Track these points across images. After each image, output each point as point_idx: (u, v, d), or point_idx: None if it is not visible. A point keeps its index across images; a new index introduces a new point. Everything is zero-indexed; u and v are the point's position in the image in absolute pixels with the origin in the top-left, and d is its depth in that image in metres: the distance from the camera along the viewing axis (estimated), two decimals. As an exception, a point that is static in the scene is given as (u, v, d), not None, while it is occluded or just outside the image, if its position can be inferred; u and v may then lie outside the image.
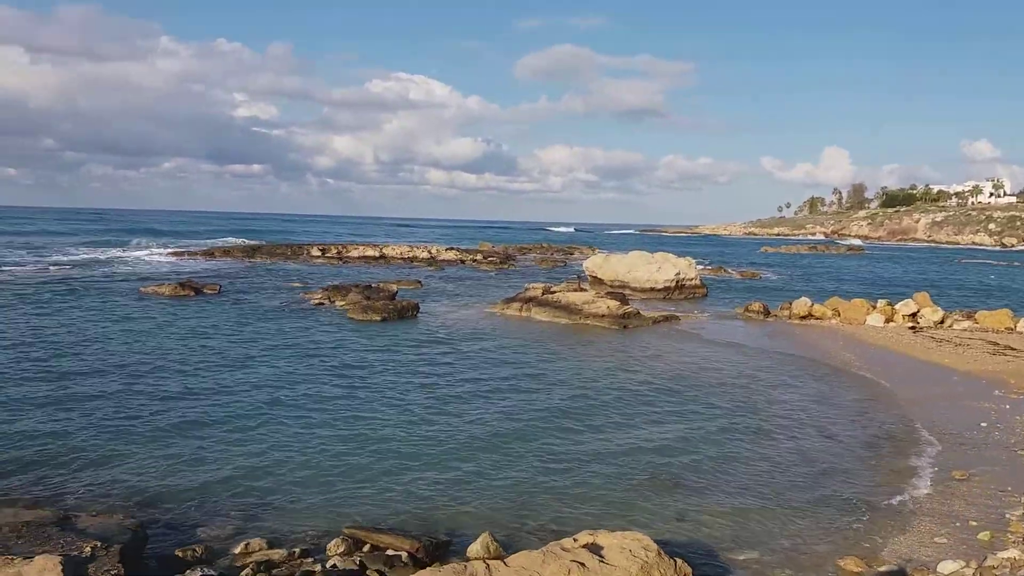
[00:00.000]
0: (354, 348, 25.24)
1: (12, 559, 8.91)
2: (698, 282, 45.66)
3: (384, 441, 15.50)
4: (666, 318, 33.19)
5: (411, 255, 70.24)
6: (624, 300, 34.73)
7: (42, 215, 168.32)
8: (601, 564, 8.35)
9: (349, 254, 69.69)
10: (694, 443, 15.85)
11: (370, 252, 70.56)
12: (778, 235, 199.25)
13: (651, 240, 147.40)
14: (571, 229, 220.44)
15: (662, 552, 8.69)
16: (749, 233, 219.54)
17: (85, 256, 62.03)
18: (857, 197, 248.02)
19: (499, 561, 8.44)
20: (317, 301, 36.71)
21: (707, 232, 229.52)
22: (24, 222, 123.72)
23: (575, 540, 9.05)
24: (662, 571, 8.38)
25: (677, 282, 43.56)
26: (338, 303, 35.56)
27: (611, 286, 42.26)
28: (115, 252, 68.21)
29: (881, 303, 35.44)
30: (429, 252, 71.83)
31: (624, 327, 30.97)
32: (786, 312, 36.13)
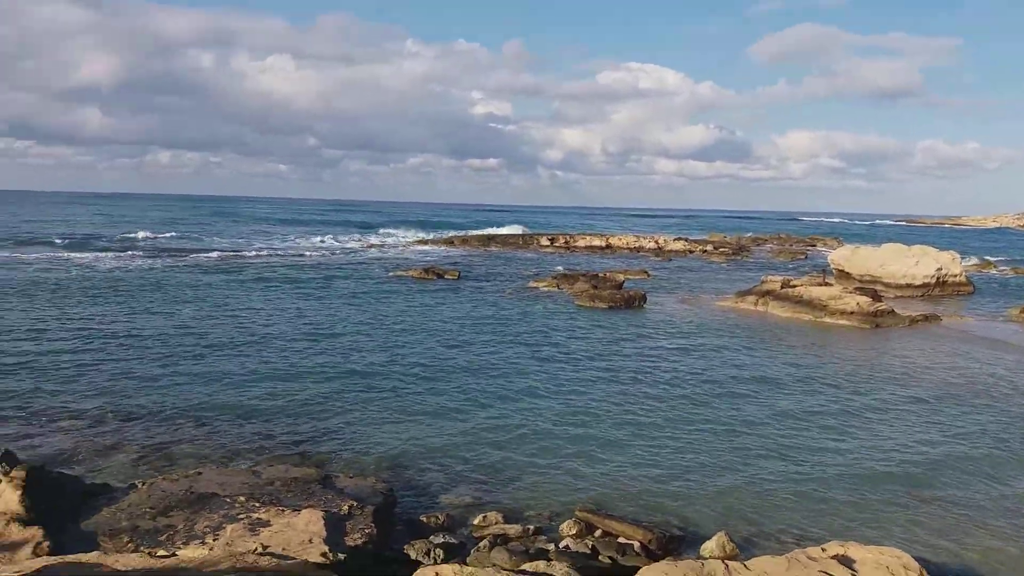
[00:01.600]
0: (582, 335, 25.48)
1: (284, 510, 9.95)
2: (963, 279, 40.92)
3: (616, 427, 15.47)
4: (925, 318, 30.03)
5: (638, 245, 69.71)
6: (876, 296, 31.93)
7: (310, 206, 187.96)
8: (853, 578, 7.67)
9: (576, 244, 70.58)
10: (958, 459, 14.15)
11: (596, 242, 70.98)
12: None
13: (906, 232, 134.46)
14: (814, 219, 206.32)
15: (925, 572, 7.82)
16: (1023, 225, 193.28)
17: (342, 243, 68.27)
18: None
19: (739, 563, 8.04)
20: (546, 288, 37.61)
21: (972, 224, 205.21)
22: (295, 211, 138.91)
23: (823, 550, 8.40)
24: (926, 594, 7.54)
25: (938, 278, 39.34)
26: (566, 290, 36.17)
27: (860, 281, 39.09)
28: (369, 239, 74.39)
29: None
30: (656, 242, 70.85)
31: (875, 326, 28.46)
32: (1074, 316, 31.32)
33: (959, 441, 15.25)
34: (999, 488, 12.80)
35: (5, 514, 8.81)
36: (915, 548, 10.15)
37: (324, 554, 8.82)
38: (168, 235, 68.97)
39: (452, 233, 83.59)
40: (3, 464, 10.47)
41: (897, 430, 15.90)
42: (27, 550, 8.27)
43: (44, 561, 7.88)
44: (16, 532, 8.58)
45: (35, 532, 8.61)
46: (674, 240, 73.21)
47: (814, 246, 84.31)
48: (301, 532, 9.34)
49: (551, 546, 10.14)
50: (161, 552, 8.67)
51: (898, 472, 13.38)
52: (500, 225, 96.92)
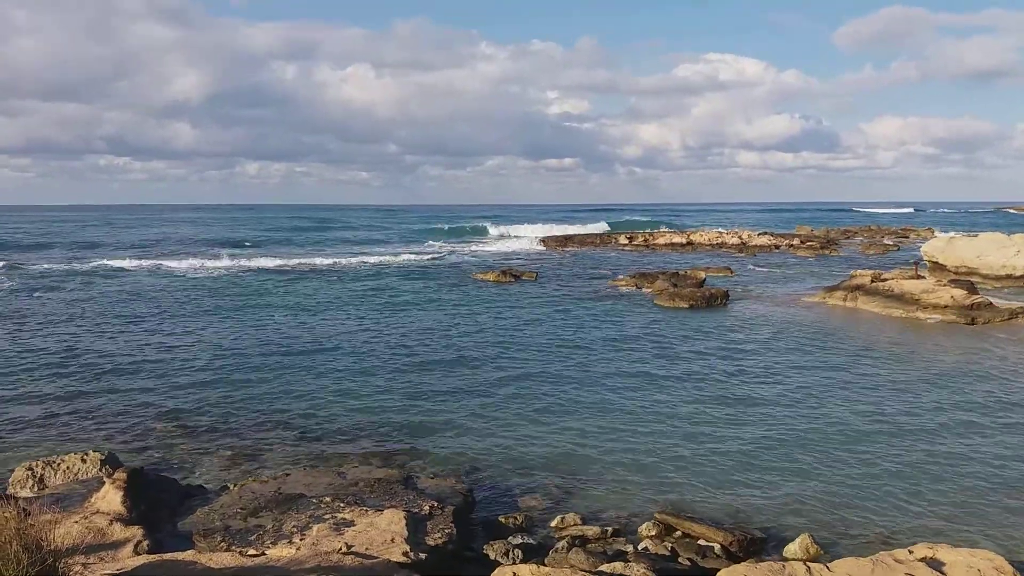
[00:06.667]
0: (662, 334, 25.20)
1: (367, 511, 10.25)
2: (1069, 268, 38.57)
3: (695, 426, 15.29)
4: (1026, 309, 28.43)
5: (720, 241, 68.33)
6: (972, 289, 30.44)
7: (393, 211, 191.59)
8: (943, 583, 7.40)
9: (656, 241, 69.74)
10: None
11: (677, 239, 69.94)
12: None
13: (1005, 220, 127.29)
14: (907, 209, 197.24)
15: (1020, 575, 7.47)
16: None
17: (426, 247, 69.46)
18: None
19: (821, 565, 7.86)
20: (625, 287, 37.32)
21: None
22: (378, 217, 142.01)
23: (910, 552, 8.13)
24: (1023, 600, 7.20)
25: (1041, 268, 37.18)
26: (645, 289, 35.80)
27: (955, 273, 37.31)
28: (449, 244, 75.42)
29: None
30: (739, 237, 69.29)
31: (972, 320, 27.12)
32: None
33: (1065, 439, 14.44)
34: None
35: (108, 514, 9.39)
36: (1012, 552, 9.69)
37: (405, 553, 9.05)
38: (264, 244, 71.47)
39: (532, 234, 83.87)
40: (107, 466, 11.14)
41: (990, 429, 15.15)
42: (128, 549, 8.79)
43: (144, 559, 8.37)
44: (119, 531, 9.12)
45: (136, 531, 9.14)
46: (758, 235, 71.44)
47: (907, 237, 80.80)
48: (384, 532, 9.61)
49: (630, 548, 10.12)
50: (251, 551, 9.07)
51: (995, 476, 12.77)
52: (582, 223, 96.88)
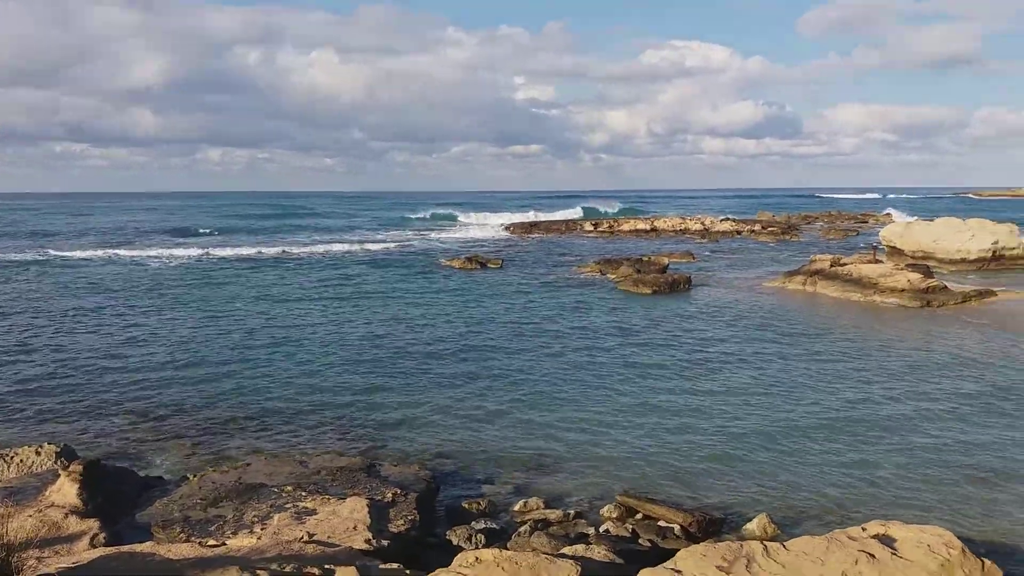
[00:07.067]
0: (625, 321, 25.39)
1: (329, 499, 10.22)
2: (1022, 252, 39.57)
3: (658, 412, 15.46)
4: (980, 293, 29.13)
5: (683, 227, 68.93)
6: (928, 273, 31.09)
7: (359, 198, 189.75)
8: (893, 557, 7.58)
9: (620, 228, 70.09)
10: (1005, 445, 13.74)
11: (641, 225, 70.39)
12: None
13: (967, 205, 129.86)
14: (872, 195, 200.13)
15: (967, 550, 7.68)
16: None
17: (392, 235, 68.95)
18: None
19: (778, 544, 8.00)
20: (590, 274, 37.50)
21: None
22: (343, 205, 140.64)
23: (863, 529, 8.31)
24: (966, 571, 7.41)
25: (994, 252, 38.08)
26: (610, 276, 36.01)
27: (912, 257, 38.09)
28: (415, 232, 74.94)
29: None
30: (703, 223, 69.95)
31: (927, 304, 27.74)
32: None
33: (1005, 426, 14.86)
34: (1055, 465, 12.48)
35: (63, 507, 9.24)
36: (961, 527, 9.98)
37: (368, 540, 9.05)
38: (228, 232, 70.33)
39: (499, 221, 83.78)
40: (62, 459, 10.95)
41: (938, 414, 15.55)
42: (84, 541, 8.66)
43: (101, 552, 8.25)
44: (74, 524, 8.99)
45: (92, 524, 9.01)
46: (721, 221, 72.18)
47: (866, 223, 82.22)
48: (346, 519, 9.59)
49: (591, 530, 10.23)
50: (211, 542, 8.99)
51: (941, 456, 13.13)
52: (551, 211, 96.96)
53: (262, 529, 9.33)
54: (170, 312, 26.87)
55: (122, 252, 49.86)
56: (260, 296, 30.65)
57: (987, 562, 7.67)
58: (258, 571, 7.66)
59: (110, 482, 10.18)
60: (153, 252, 49.98)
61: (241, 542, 8.95)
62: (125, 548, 8.39)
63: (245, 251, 50.70)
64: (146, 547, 8.50)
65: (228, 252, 49.89)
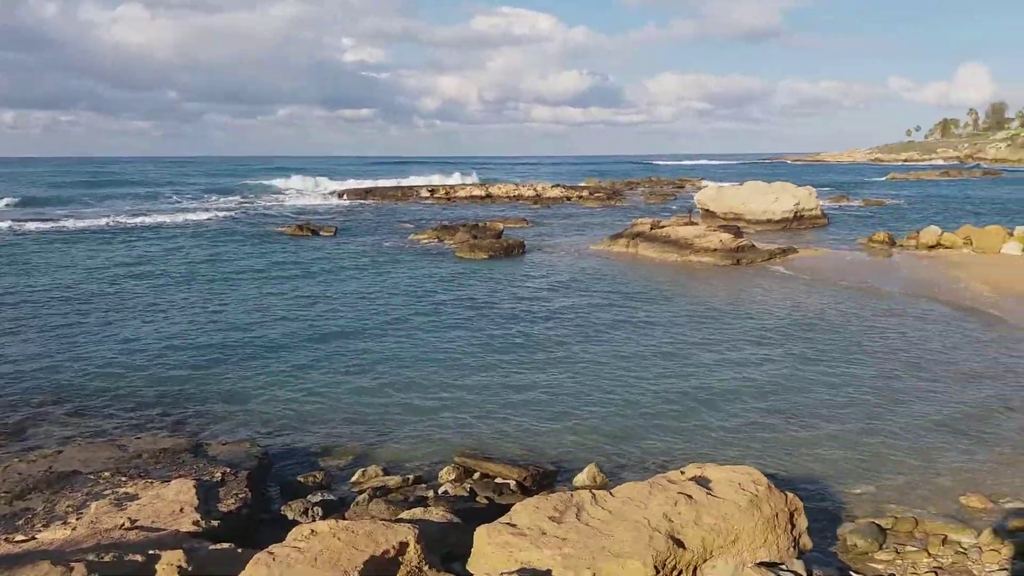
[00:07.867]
0: (461, 285, 25.64)
1: (152, 483, 9.67)
2: (819, 212, 43.58)
3: (492, 372, 15.78)
4: (783, 251, 31.84)
5: (516, 193, 70.21)
6: (738, 233, 33.56)
7: (179, 164, 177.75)
8: (709, 496, 8.23)
9: (456, 194, 70.38)
10: (807, 383, 15.26)
11: (476, 192, 71.01)
12: (906, 161, 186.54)
13: (768, 170, 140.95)
14: (694, 162, 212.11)
15: (772, 485, 8.48)
16: (875, 160, 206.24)
17: (215, 202, 65.26)
18: (996, 118, 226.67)
19: (605, 492, 8.46)
20: (427, 240, 37.45)
21: (830, 160, 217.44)
22: (161, 171, 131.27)
23: (682, 473, 8.95)
24: (772, 504, 8.19)
25: (796, 213, 41.72)
26: (447, 242, 36.15)
27: (724, 219, 40.95)
28: (237, 198, 71.38)
29: (1020, 230, 32.73)
30: (535, 190, 71.57)
31: (737, 262, 30.00)
32: (913, 242, 34.02)
33: (806, 367, 16.46)
34: (845, 408, 13.97)
35: None
36: (767, 464, 11.00)
37: (196, 522, 8.66)
38: (32, 205, 63.63)
39: (332, 187, 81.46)
40: None
41: (751, 360, 16.96)
42: None
43: None
44: None
45: None
46: (552, 187, 74.11)
47: (683, 187, 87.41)
48: (171, 503, 9.12)
49: (430, 493, 10.34)
50: (19, 537, 8.28)
51: (753, 399, 14.33)
52: (386, 177, 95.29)
53: (77, 519, 8.70)
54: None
55: None
56: (74, 273, 28.12)
57: (790, 495, 8.51)
58: (73, 563, 7.15)
59: None
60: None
61: (54, 534, 8.30)
62: (-88, 553, 7.55)
63: (46, 225, 46.20)
64: (-61, 550, 7.69)
65: (34, 226, 45.19)
